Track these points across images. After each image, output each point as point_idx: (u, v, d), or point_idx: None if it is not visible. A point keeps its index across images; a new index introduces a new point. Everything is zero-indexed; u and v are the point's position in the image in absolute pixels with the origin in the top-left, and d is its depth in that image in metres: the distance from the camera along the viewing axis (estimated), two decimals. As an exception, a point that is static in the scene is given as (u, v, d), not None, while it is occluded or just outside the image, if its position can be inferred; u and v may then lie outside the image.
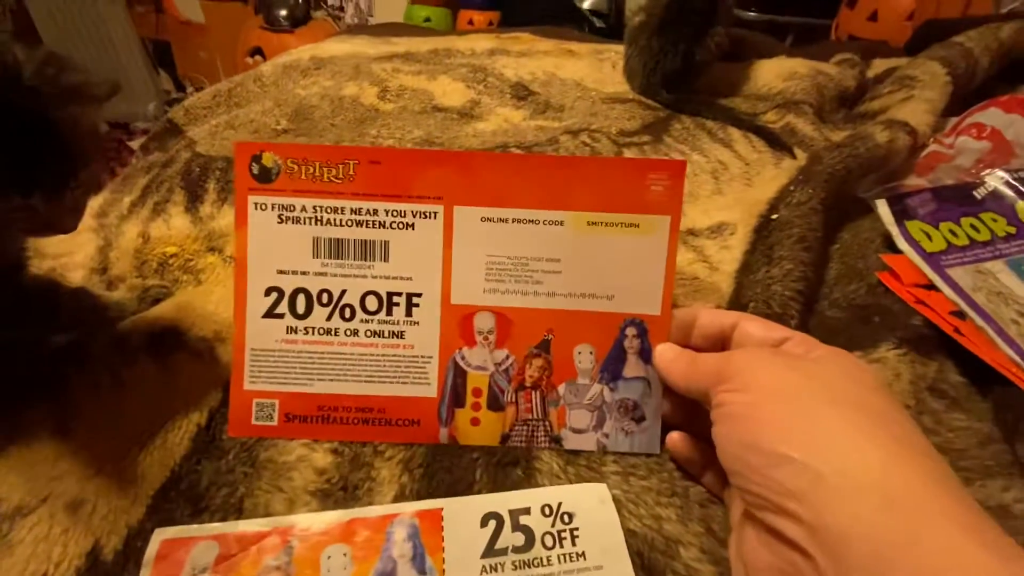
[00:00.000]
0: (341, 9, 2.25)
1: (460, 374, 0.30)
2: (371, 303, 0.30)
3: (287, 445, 0.29)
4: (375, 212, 0.29)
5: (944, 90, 0.61)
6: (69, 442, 0.29)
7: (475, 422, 0.30)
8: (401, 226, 0.29)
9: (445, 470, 0.29)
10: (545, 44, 0.77)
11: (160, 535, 0.25)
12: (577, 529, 0.26)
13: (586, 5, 1.91)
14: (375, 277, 0.30)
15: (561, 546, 0.26)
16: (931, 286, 0.38)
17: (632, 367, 0.30)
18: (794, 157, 0.54)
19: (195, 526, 0.26)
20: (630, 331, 0.30)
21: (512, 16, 1.87)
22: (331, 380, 0.30)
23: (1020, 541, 0.17)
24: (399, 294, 0.30)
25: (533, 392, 0.30)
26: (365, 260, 0.30)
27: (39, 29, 1.86)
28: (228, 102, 0.62)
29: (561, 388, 0.30)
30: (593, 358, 0.30)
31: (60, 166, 0.23)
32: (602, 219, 0.29)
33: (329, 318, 0.30)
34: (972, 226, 0.42)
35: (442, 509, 0.27)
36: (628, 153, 0.53)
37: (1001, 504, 0.28)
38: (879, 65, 0.79)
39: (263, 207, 0.29)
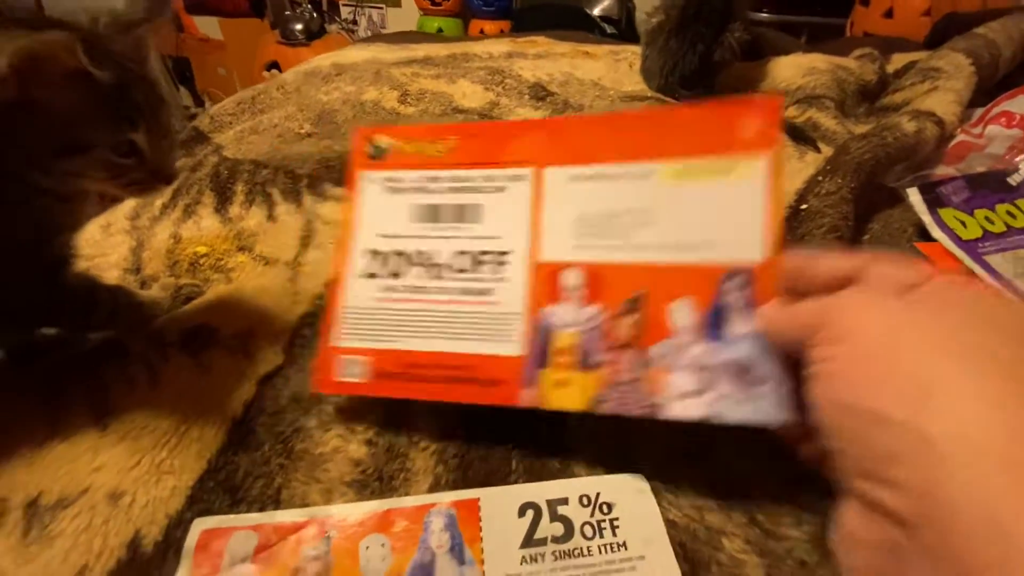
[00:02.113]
0: (355, 23, 2.30)
1: (547, 332, 0.28)
2: (461, 262, 0.30)
3: (323, 436, 0.29)
4: (469, 179, 0.31)
5: (969, 80, 0.61)
6: (108, 435, 0.29)
7: (562, 384, 0.27)
8: (493, 189, 0.31)
9: (480, 459, 0.28)
10: (562, 46, 0.78)
11: (199, 525, 0.26)
12: (617, 519, 0.26)
13: (597, 12, 1.92)
14: (467, 238, 0.30)
15: (601, 536, 0.25)
16: (968, 273, 0.37)
17: (738, 324, 0.25)
18: (818, 151, 0.53)
19: (233, 516, 0.26)
20: (731, 284, 0.26)
21: (523, 25, 1.88)
22: (419, 337, 0.30)
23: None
24: (488, 252, 0.30)
25: (625, 352, 0.27)
26: (459, 223, 0.31)
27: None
28: (252, 109, 0.63)
29: (656, 347, 0.26)
30: (692, 315, 0.26)
31: (147, 96, 0.27)
32: (693, 167, 0.28)
33: (421, 277, 0.31)
34: (1008, 212, 0.41)
35: (479, 499, 0.27)
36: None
37: None
38: (899, 60, 0.78)
39: (372, 180, 0.33)
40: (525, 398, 0.27)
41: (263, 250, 0.42)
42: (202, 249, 0.42)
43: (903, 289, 0.20)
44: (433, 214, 0.31)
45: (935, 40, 0.81)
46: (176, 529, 0.26)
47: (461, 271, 0.30)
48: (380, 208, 0.32)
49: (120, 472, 0.27)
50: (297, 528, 0.26)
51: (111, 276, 0.40)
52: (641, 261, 0.28)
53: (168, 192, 0.47)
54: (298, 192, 0.48)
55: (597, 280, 0.28)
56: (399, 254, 0.31)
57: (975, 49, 0.65)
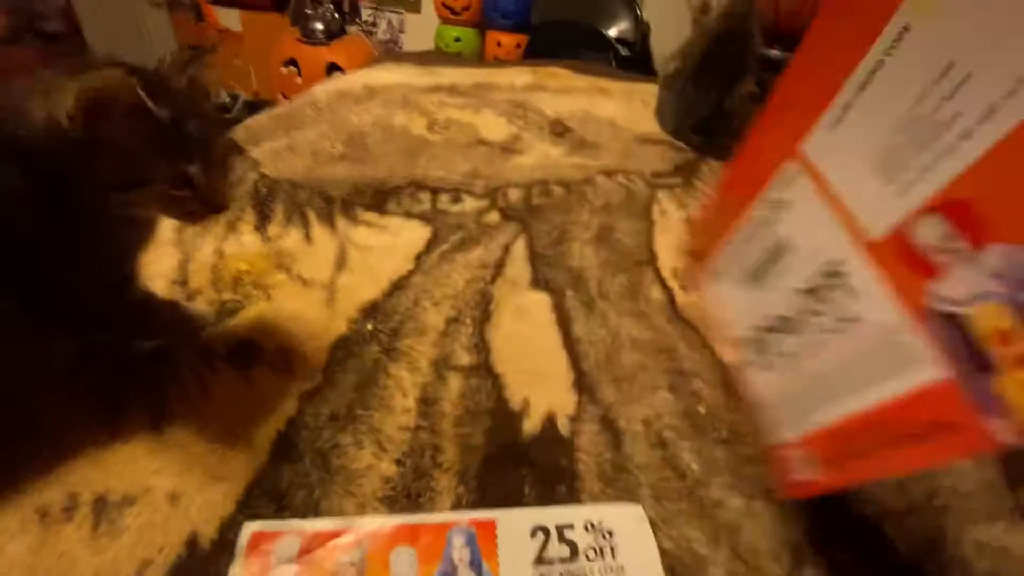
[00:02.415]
0: (374, 25, 2.33)
1: (952, 321, 0.18)
2: (806, 303, 0.25)
3: (357, 454, 0.33)
4: (754, 221, 0.29)
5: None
6: (164, 440, 0.32)
7: None
8: (778, 210, 0.27)
9: (497, 484, 0.32)
10: (579, 81, 0.82)
11: (249, 528, 0.29)
12: (616, 544, 0.30)
13: (613, 33, 1.97)
14: (794, 275, 0.26)
15: (602, 558, 0.29)
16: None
17: None
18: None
19: (279, 521, 0.29)
20: None
21: (539, 40, 1.92)
22: (828, 406, 0.25)
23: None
24: (821, 274, 0.25)
25: None
26: (776, 265, 0.28)
27: (83, 29, 1.94)
28: (287, 124, 0.66)
29: None
30: None
31: (203, 132, 0.29)
32: None
33: (784, 342, 0.27)
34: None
35: (495, 520, 0.30)
36: (661, 194, 0.56)
37: (1002, 546, 0.31)
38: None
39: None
40: (1001, 430, 0.17)
41: (301, 271, 0.45)
42: (244, 266, 0.45)
43: None
44: (753, 275, 0.30)
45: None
46: (229, 531, 0.29)
47: (814, 313, 0.25)
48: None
49: (177, 475, 0.31)
50: (335, 535, 0.29)
51: (158, 286, 0.43)
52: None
53: (211, 207, 0.51)
54: (332, 215, 0.51)
55: (965, 212, 0.18)
56: (757, 332, 0.29)
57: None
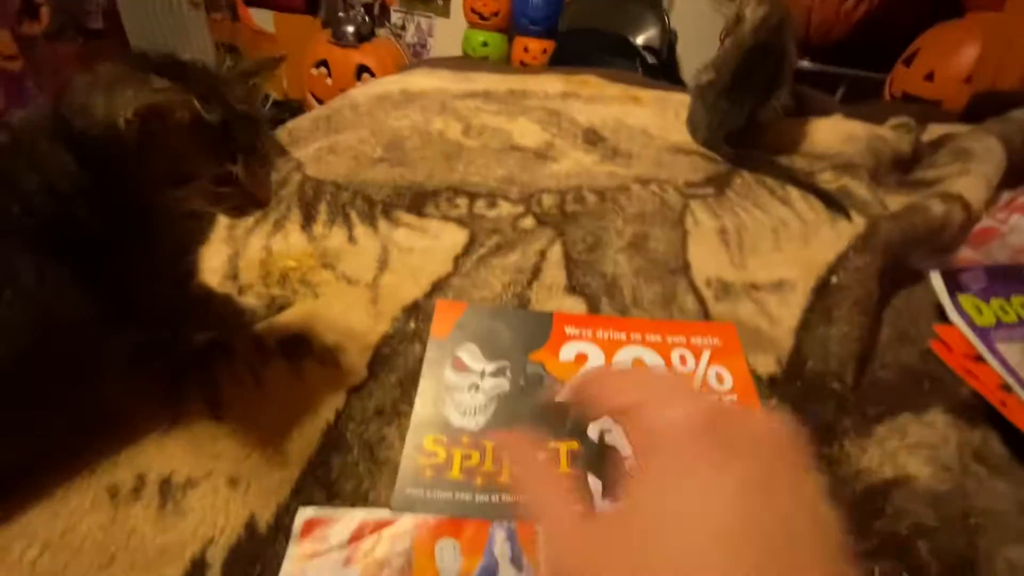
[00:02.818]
0: (403, 28, 2.37)
1: None
2: None
3: (402, 447, 0.34)
4: None
5: (1000, 165, 0.64)
6: (222, 427, 0.34)
7: None
8: None
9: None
10: (613, 89, 0.83)
11: (304, 514, 0.30)
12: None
13: (640, 40, 1.97)
14: None
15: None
16: (980, 358, 0.41)
17: None
18: (849, 219, 0.57)
19: (331, 508, 0.31)
20: None
21: (566, 47, 1.93)
22: None
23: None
24: None
25: None
26: None
27: (126, 28, 2.01)
28: (327, 127, 0.69)
29: None
30: None
31: (249, 134, 0.30)
32: None
33: None
34: (1022, 304, 0.45)
35: (535, 518, 0.31)
36: (694, 204, 0.57)
37: (1034, 567, 0.31)
38: (934, 131, 0.82)
39: None
40: None
41: (345, 270, 0.47)
42: (291, 263, 0.47)
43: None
44: None
45: (972, 114, 0.85)
46: (284, 515, 0.31)
47: None
48: None
49: (236, 461, 0.33)
50: (384, 524, 0.30)
51: (211, 280, 0.45)
52: None
53: (259, 205, 0.53)
54: (373, 216, 0.53)
55: None
56: None
57: (1008, 133, 0.68)
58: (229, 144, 0.30)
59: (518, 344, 0.40)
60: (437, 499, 0.31)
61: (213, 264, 0.47)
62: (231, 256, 0.48)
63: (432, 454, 0.33)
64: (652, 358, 0.40)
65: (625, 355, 0.40)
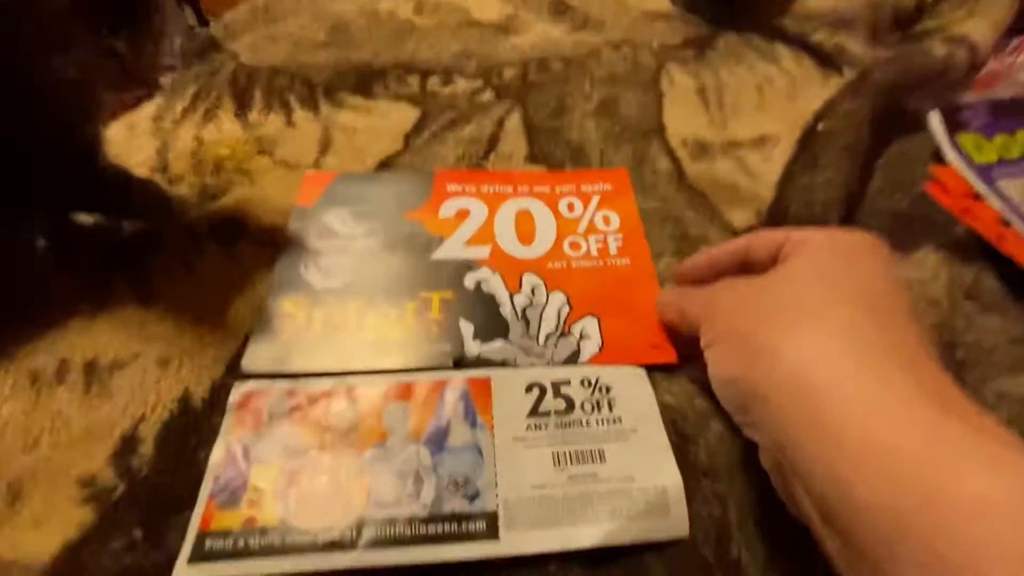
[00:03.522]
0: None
1: None
2: None
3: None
4: None
5: (1010, 6, 0.57)
6: (151, 312, 0.32)
7: None
8: None
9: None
10: (584, -41, 0.74)
11: (240, 387, 0.29)
12: (614, 398, 0.29)
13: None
14: None
15: (599, 411, 0.28)
16: (978, 196, 0.38)
17: None
18: (841, 74, 0.52)
19: (270, 381, 0.29)
20: None
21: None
22: None
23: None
24: None
25: None
26: None
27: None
28: (265, 17, 0.62)
29: None
30: None
31: (145, 10, 0.28)
32: None
33: None
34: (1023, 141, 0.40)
35: (490, 378, 0.29)
36: (670, 66, 0.51)
37: (1021, 394, 0.29)
38: (943, -17, 0.73)
39: None
40: None
41: (284, 154, 0.43)
42: (225, 151, 0.43)
43: (772, 263, 0.24)
44: None
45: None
46: (220, 390, 0.29)
47: None
48: None
49: (167, 342, 0.30)
50: (328, 394, 0.28)
51: (139, 174, 0.42)
52: None
53: (188, 96, 0.48)
54: (315, 100, 0.48)
55: None
56: None
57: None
58: (109, 14, 0.27)
59: (394, 205, 0.38)
60: (294, 357, 0.30)
61: (138, 158, 0.43)
62: (159, 149, 0.43)
63: (290, 316, 0.31)
64: (538, 209, 0.38)
65: (509, 208, 0.38)
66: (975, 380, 0.30)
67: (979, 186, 0.38)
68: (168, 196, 0.38)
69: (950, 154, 0.40)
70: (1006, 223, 0.36)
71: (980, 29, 0.53)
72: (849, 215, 0.37)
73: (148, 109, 0.47)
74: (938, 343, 0.30)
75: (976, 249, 0.35)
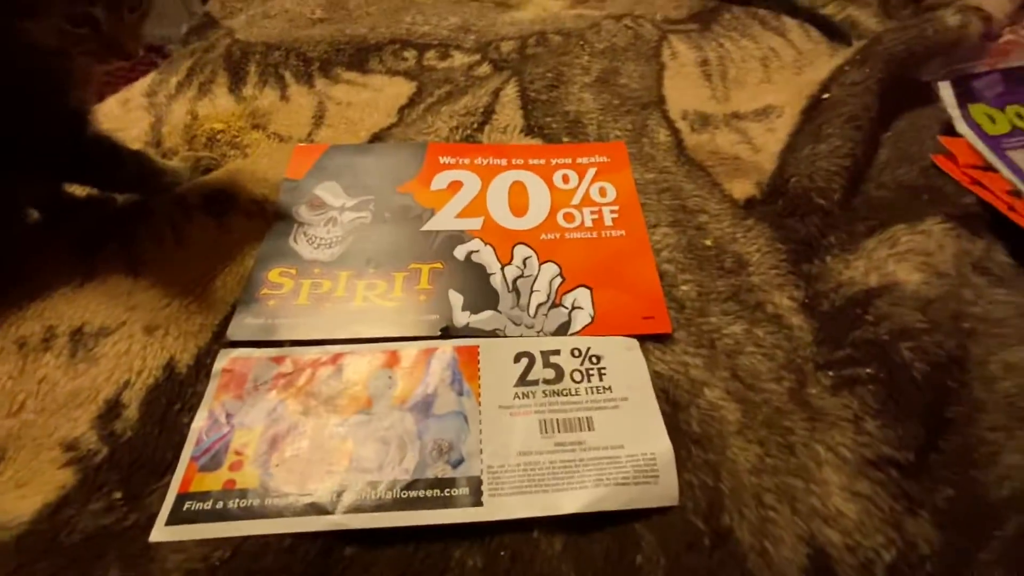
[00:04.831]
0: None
1: None
2: None
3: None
4: None
5: (1031, -24, 0.55)
6: (139, 281, 0.32)
7: None
8: None
9: (481, 316, 0.30)
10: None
11: (226, 353, 0.28)
12: (605, 368, 0.28)
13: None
14: None
15: (588, 380, 0.27)
16: (989, 167, 0.36)
17: None
18: (851, 45, 0.50)
19: (257, 349, 0.29)
20: None
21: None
22: None
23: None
24: None
25: None
26: None
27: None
28: (263, -6, 0.61)
29: None
30: None
31: None
32: None
33: None
34: (1043, 109, 0.39)
35: (479, 347, 0.29)
36: (673, 38, 0.50)
37: (1033, 366, 0.28)
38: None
39: None
40: None
41: (277, 128, 0.42)
42: (218, 125, 0.42)
43: None
44: None
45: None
46: (206, 357, 0.28)
47: None
48: None
49: (153, 311, 0.30)
50: (314, 363, 0.28)
51: (132, 148, 0.41)
52: None
53: (183, 71, 0.48)
54: (310, 75, 0.47)
55: None
56: None
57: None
58: None
59: (386, 177, 0.37)
60: (279, 325, 0.29)
61: (132, 133, 0.42)
62: (153, 124, 0.43)
63: (278, 286, 0.31)
64: (532, 180, 0.37)
65: (503, 180, 0.37)
66: (982, 352, 0.29)
67: (990, 157, 0.37)
68: (160, 167, 0.37)
69: (961, 126, 0.38)
70: (1017, 193, 0.34)
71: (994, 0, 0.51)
72: (854, 185, 0.36)
73: (142, 84, 0.47)
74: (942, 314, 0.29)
75: (985, 221, 0.34)
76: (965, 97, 0.40)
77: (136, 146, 0.42)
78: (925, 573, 0.22)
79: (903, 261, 0.31)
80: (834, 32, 0.52)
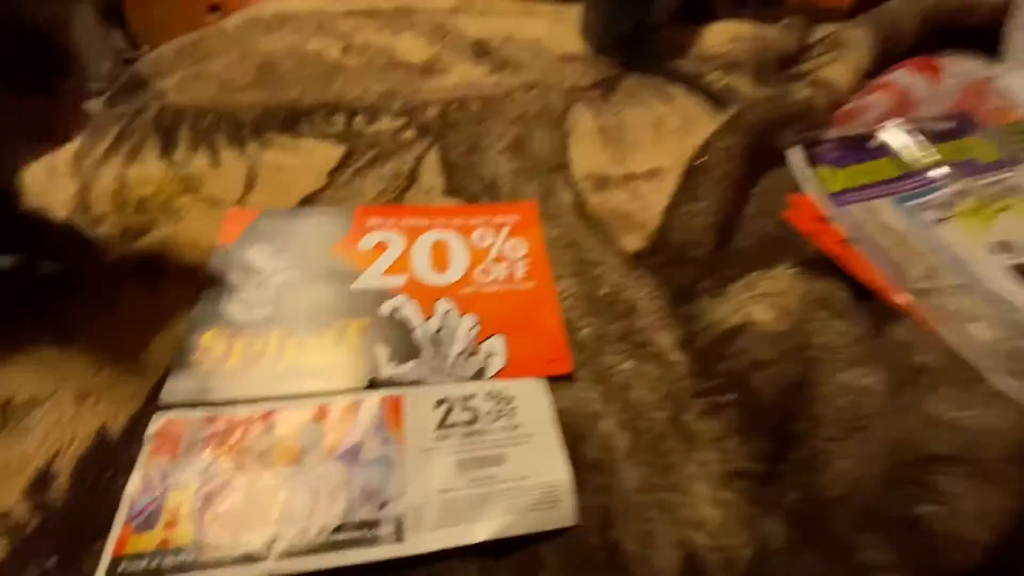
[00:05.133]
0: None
1: None
2: None
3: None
4: None
5: (869, 53, 0.67)
6: (69, 351, 0.33)
7: None
8: None
9: (405, 367, 0.34)
10: (506, 3, 0.80)
11: (159, 417, 0.30)
12: (516, 408, 0.32)
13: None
14: None
15: (500, 420, 0.31)
16: (826, 220, 0.44)
17: None
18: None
19: (190, 410, 0.30)
20: None
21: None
22: None
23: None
24: None
25: None
26: None
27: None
28: (193, 55, 0.63)
29: None
30: None
31: (52, 64, 0.27)
32: None
33: None
34: (868, 171, 0.48)
35: (403, 396, 0.32)
36: (578, 106, 0.57)
37: (861, 385, 0.35)
38: (823, 29, 0.84)
39: None
40: None
41: (209, 192, 0.44)
42: (148, 190, 0.44)
43: None
44: None
45: (856, 13, 0.88)
46: (139, 422, 0.30)
47: None
48: None
49: (84, 379, 0.31)
50: (245, 420, 0.30)
51: (60, 215, 0.42)
52: None
53: (111, 136, 0.49)
54: (241, 139, 0.50)
55: None
56: None
57: (880, 24, 0.72)
58: (17, 78, 0.26)
59: (316, 240, 0.40)
60: (213, 387, 0.32)
61: (60, 199, 0.43)
62: (80, 190, 0.44)
63: (209, 348, 0.33)
64: (454, 239, 0.41)
65: (426, 239, 0.41)
66: (821, 375, 0.35)
67: (827, 210, 0.45)
68: (87, 237, 0.38)
69: (807, 184, 0.47)
70: (850, 242, 0.42)
71: (840, 73, 0.61)
72: (724, 237, 0.43)
73: (69, 150, 0.47)
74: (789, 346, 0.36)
75: (826, 265, 0.41)
76: (812, 160, 0.49)
77: (62, 213, 0.43)
78: (776, 564, 0.27)
79: (758, 302, 0.37)
80: (713, 99, 0.61)
